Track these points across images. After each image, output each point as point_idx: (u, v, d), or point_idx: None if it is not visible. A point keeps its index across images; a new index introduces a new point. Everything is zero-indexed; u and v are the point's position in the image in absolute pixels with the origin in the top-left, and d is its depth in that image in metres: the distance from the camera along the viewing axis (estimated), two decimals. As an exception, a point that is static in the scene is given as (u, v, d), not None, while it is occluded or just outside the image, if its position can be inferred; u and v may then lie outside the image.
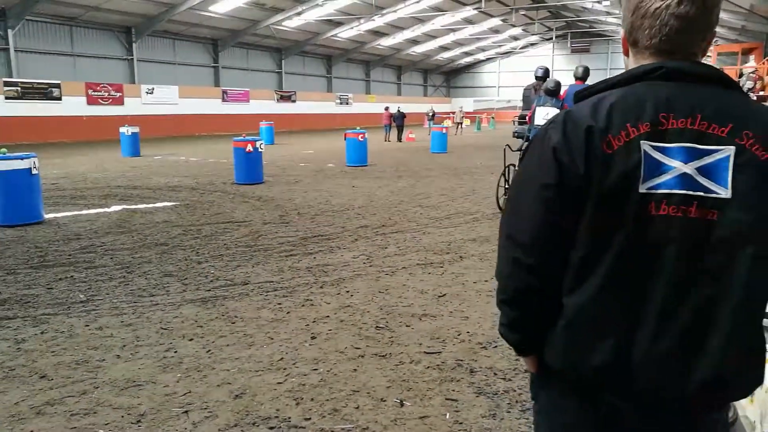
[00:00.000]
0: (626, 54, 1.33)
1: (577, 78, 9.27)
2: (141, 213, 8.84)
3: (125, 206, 9.40)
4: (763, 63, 19.06)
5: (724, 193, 1.14)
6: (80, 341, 3.93)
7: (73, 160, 17.51)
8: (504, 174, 8.82)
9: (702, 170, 1.15)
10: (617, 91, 1.22)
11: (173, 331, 4.12)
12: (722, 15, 29.58)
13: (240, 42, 36.40)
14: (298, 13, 33.54)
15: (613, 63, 55.33)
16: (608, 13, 41.49)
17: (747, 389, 1.24)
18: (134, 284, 5.22)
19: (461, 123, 34.86)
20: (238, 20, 33.18)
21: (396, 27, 41.86)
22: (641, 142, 1.15)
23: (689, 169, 1.15)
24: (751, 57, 22.82)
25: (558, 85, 8.48)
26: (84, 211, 8.95)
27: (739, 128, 1.15)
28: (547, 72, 10.50)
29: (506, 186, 8.63)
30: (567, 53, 57.25)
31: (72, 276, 5.48)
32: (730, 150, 1.14)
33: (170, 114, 31.87)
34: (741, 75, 17.80)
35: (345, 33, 39.98)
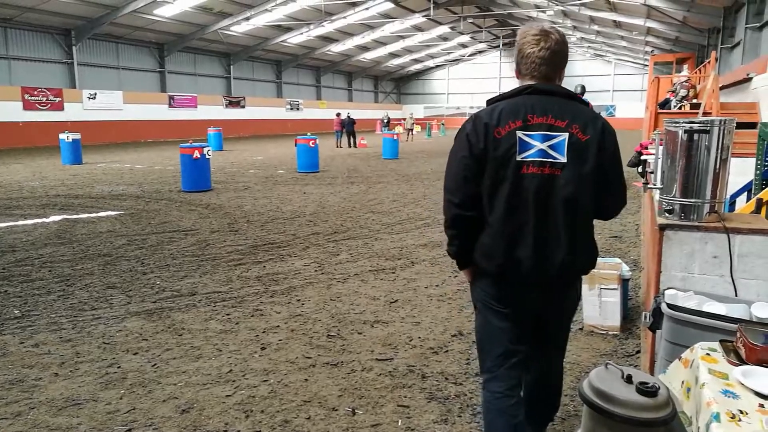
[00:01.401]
0: (517, 77, 2.21)
1: (578, 94, 10.92)
2: (83, 223, 8.51)
3: (65, 216, 9.03)
4: (696, 72, 20.01)
5: (563, 159, 2.04)
6: (14, 359, 3.73)
7: (8, 169, 16.70)
8: None
9: (552, 147, 2.04)
10: (507, 101, 2.12)
11: (116, 345, 3.97)
12: (657, 26, 30.96)
13: (187, 47, 35.62)
14: (247, 18, 33.09)
15: (558, 71, 56.90)
16: (553, 23, 42.67)
17: (586, 267, 2.25)
18: (75, 297, 5.01)
19: (412, 129, 35.13)
20: (185, 24, 32.47)
21: (346, 33, 41.87)
22: (516, 131, 2.05)
23: (545, 146, 2.05)
24: (685, 66, 23.88)
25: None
26: (20, 222, 8.54)
27: (570, 122, 2.05)
28: (584, 88, 12.93)
29: None
30: (513, 60, 58.57)
31: (6, 291, 5.21)
32: (565, 135, 2.04)
33: (114, 120, 30.85)
34: (674, 84, 18.60)
35: (295, 38, 39.71)
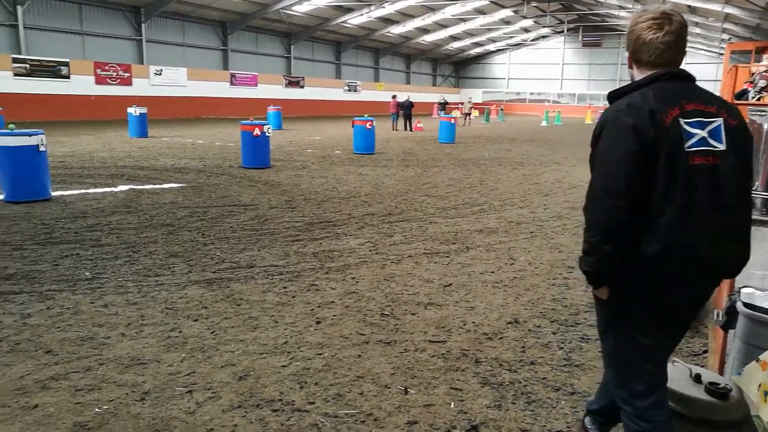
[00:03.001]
0: (630, 67, 2.09)
1: None
2: (147, 193, 8.83)
3: (132, 186, 9.39)
4: (778, 62, 18.81)
5: (722, 146, 1.88)
6: (85, 318, 3.93)
7: (81, 139, 17.49)
8: None
9: (710, 134, 1.88)
10: (646, 89, 1.92)
11: (178, 311, 4.11)
12: (737, 12, 29.25)
13: (249, 26, 36.19)
14: (309, -2, 33.33)
15: (623, 57, 54.65)
16: (621, 7, 41.03)
17: (742, 264, 2.01)
18: (140, 264, 5.21)
19: (470, 114, 34.65)
20: (248, 3, 32.97)
21: (406, 15, 41.53)
22: (678, 118, 1.86)
23: (705, 133, 1.87)
24: (765, 56, 22.54)
25: None
26: (91, 190, 8.95)
27: (719, 107, 1.92)
28: None
29: None
30: (578, 47, 56.78)
31: (78, 253, 5.48)
32: (720, 120, 1.89)
33: (178, 96, 31.78)
34: (753, 74, 17.60)
35: (355, 19, 39.69)
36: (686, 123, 1.85)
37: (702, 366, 3.48)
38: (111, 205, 7.82)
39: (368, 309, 4.28)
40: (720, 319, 2.68)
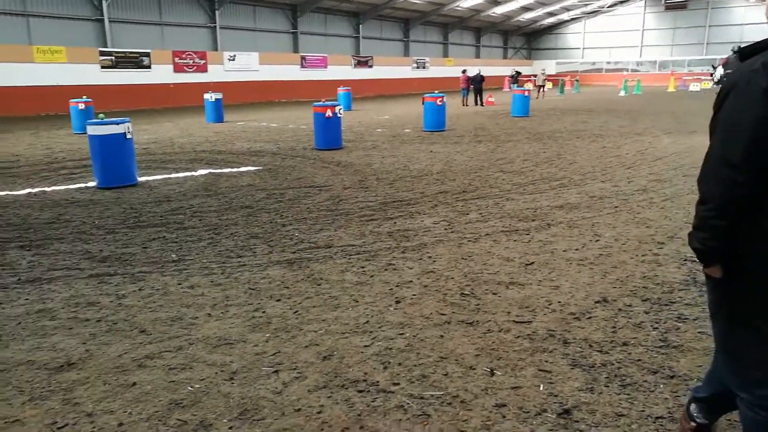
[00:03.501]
0: None
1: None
2: (226, 177, 9.08)
3: (211, 170, 9.69)
4: None
5: None
6: (174, 299, 4.07)
7: (161, 126, 18.27)
8: None
9: None
10: None
11: (261, 291, 4.19)
12: None
13: (318, 7, 36.41)
14: (376, -24, 33.05)
15: (713, 20, 51.09)
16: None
17: None
18: (222, 245, 5.36)
19: (543, 86, 33.50)
20: (316, -15, 33.14)
21: (475, -13, 40.49)
22: None
23: None
24: None
25: None
26: (173, 175, 9.31)
27: None
28: (739, 48, 15.12)
29: None
30: (660, 11, 53.41)
31: (164, 236, 5.70)
32: None
33: (251, 80, 32.55)
34: None
35: (423, -5, 39.12)
36: None
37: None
38: (192, 189, 8.10)
39: (447, 288, 4.20)
40: None
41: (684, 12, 52.28)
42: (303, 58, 36.24)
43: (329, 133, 12.24)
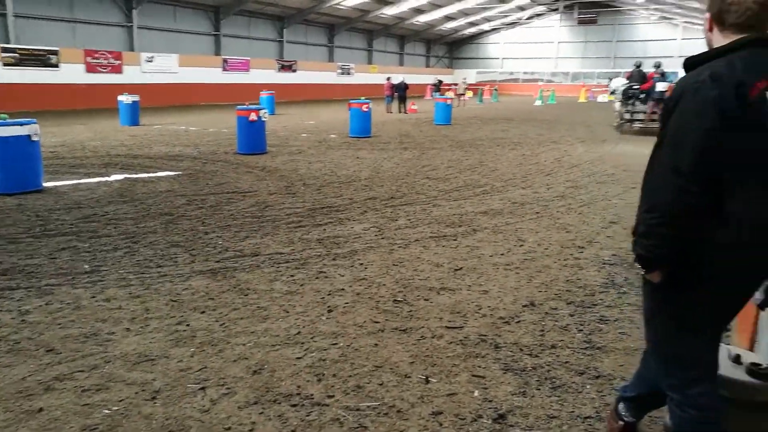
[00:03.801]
0: (710, 30, 1.88)
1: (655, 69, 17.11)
2: (143, 182, 8.64)
3: (126, 175, 9.20)
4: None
5: None
6: (87, 313, 3.78)
7: (72, 129, 17.17)
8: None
9: None
10: (732, 56, 1.73)
11: (184, 303, 3.97)
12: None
13: (242, 10, 35.59)
14: (300, -20, 32.76)
15: (620, 35, 54.35)
16: (615, -17, 40.58)
17: None
18: (140, 255, 5.06)
19: (464, 95, 34.35)
20: (239, -13, 32.42)
21: (399, -5, 41.01)
22: (765, 91, 1.66)
23: None
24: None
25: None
26: (84, 180, 8.75)
27: None
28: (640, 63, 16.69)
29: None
30: (573, 24, 56.22)
31: (75, 246, 5.32)
32: None
33: (170, 83, 31.30)
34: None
35: (348, 1, 39.13)
36: None
37: (726, 344, 3.38)
38: (106, 195, 7.64)
39: (380, 296, 4.16)
40: (758, 297, 2.56)
41: (594, 27, 55.29)
42: (225, 60, 35.29)
43: (253, 137, 11.95)
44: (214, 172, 9.53)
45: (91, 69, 27.87)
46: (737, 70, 1.69)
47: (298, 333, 3.53)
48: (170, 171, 9.65)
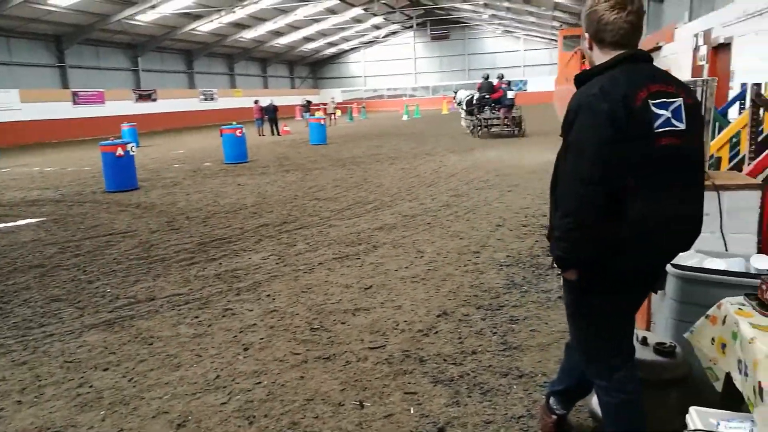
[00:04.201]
0: (590, 48, 2.07)
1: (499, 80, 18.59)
2: (1, 233, 7.75)
3: (-21, 227, 8.20)
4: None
5: (682, 125, 1.91)
6: (-35, 390, 3.31)
7: None
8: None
9: (673, 113, 1.90)
10: (614, 71, 1.93)
11: (81, 362, 3.61)
12: (564, 0, 32.10)
13: (88, 38, 33.23)
14: (152, 6, 31.28)
15: (469, 48, 58.02)
16: (464, 1, 43.35)
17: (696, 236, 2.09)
18: (16, 315, 4.53)
19: (334, 113, 34.73)
20: (84, 14, 30.25)
21: (258, 18, 40.58)
22: (647, 100, 1.87)
23: (669, 113, 1.90)
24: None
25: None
26: (-73, 238, 7.67)
27: (677, 87, 1.95)
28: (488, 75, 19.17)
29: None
30: (427, 41, 59.08)
31: (-68, 315, 4.64)
32: (680, 100, 1.92)
33: (11, 120, 28.45)
34: (583, 57, 19.39)
35: (205, 26, 38.01)
36: (654, 104, 1.88)
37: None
38: (-42, 253, 6.76)
39: (295, 326, 4.06)
40: (651, 282, 2.84)
41: (447, 42, 58.54)
42: (75, 93, 32.76)
43: (122, 174, 11.19)
44: (83, 215, 8.78)
45: None
46: (621, 84, 1.87)
47: (217, 377, 3.35)
48: (32, 218, 8.75)
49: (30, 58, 30.97)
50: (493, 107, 19.50)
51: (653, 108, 1.87)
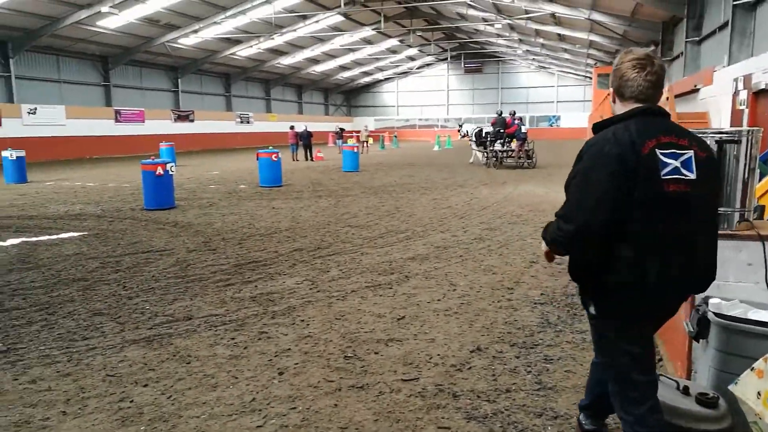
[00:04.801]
0: (614, 101, 2.29)
1: (511, 116, 19.57)
2: (45, 246, 8.02)
3: (24, 239, 8.50)
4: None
5: (692, 175, 2.09)
6: (13, 398, 3.43)
7: (-53, 189, 15.67)
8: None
9: (682, 164, 2.08)
10: (628, 121, 2.14)
11: (122, 377, 3.71)
12: (599, 39, 32.13)
13: (133, 60, 34.56)
14: (195, 31, 32.42)
15: (504, 82, 58.37)
16: (498, 35, 43.78)
17: (710, 280, 2.26)
18: (61, 327, 4.68)
19: (366, 141, 35.14)
20: (131, 37, 31.51)
21: (295, 46, 41.65)
22: (655, 149, 2.07)
23: (678, 163, 2.08)
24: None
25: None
26: (-24, 246, 7.98)
27: (690, 141, 2.13)
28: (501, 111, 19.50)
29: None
30: (460, 73, 59.72)
31: (-19, 322, 4.82)
32: (691, 152, 2.11)
33: (57, 136, 29.51)
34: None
35: (244, 51, 39.18)
36: (662, 153, 2.07)
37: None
38: (4, 262, 7.01)
39: (329, 353, 4.11)
40: (692, 329, 2.84)
41: (480, 75, 59.08)
42: (117, 111, 33.91)
43: (161, 192, 11.50)
44: (123, 231, 9.04)
45: (-35, 123, 25.75)
46: (632, 133, 2.08)
47: (253, 399, 3.41)
48: (74, 232, 9.03)
49: (77, 77, 32.25)
50: (505, 140, 21.36)
51: (661, 156, 2.06)
